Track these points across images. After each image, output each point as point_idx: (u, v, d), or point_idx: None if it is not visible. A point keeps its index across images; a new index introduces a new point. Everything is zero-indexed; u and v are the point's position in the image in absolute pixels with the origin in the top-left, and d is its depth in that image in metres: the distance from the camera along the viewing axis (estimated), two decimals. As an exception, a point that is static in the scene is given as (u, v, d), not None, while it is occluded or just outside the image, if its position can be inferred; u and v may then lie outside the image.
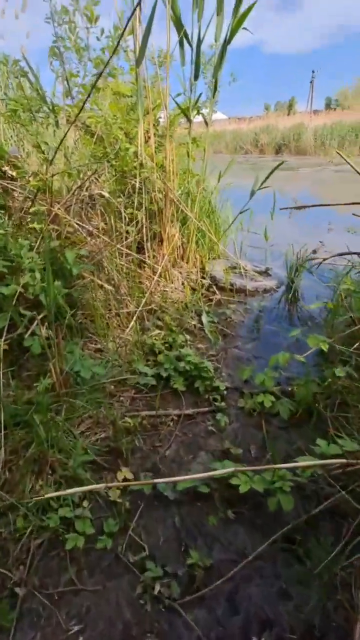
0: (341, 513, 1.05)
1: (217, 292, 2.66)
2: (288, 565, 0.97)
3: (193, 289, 2.61)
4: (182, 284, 2.60)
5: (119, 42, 1.94)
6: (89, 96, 2.04)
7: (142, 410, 1.52)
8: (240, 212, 2.27)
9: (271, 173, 2.31)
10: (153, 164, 2.19)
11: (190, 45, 2.12)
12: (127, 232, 2.34)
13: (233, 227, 3.12)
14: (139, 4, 1.86)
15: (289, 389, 1.60)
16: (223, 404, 1.54)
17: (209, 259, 3.09)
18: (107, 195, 2.11)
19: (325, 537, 1.00)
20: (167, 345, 1.89)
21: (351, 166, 1.51)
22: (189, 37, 2.11)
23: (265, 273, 3.12)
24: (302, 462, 1.04)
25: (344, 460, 1.00)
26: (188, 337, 1.98)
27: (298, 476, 1.12)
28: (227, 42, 2.12)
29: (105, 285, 1.96)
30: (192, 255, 2.84)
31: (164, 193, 2.31)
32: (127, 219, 2.33)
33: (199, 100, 2.33)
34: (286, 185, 8.40)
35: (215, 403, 1.55)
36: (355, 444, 1.04)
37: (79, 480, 1.13)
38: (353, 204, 1.64)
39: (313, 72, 20.07)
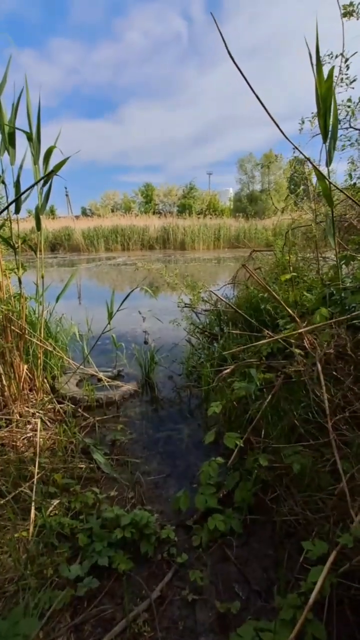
0: None
1: (85, 415, 2.38)
2: None
3: (57, 421, 2.21)
4: (42, 420, 2.15)
5: None
6: None
7: (101, 638, 1.07)
8: (104, 332, 2.21)
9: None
10: None
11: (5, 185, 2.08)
12: None
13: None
14: None
15: (222, 494, 1.60)
16: (184, 556, 1.33)
17: (54, 377, 2.76)
18: None
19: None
20: (77, 515, 1.47)
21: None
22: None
23: (119, 376, 3.10)
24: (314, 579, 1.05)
25: None
26: (93, 488, 1.63)
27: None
28: (43, 185, 2.22)
29: None
30: (40, 382, 2.45)
31: (3, 326, 1.94)
32: None
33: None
34: (79, 279, 9.11)
35: (175, 560, 1.32)
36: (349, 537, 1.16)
37: None
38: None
39: (65, 187, 24.14)
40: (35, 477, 1.50)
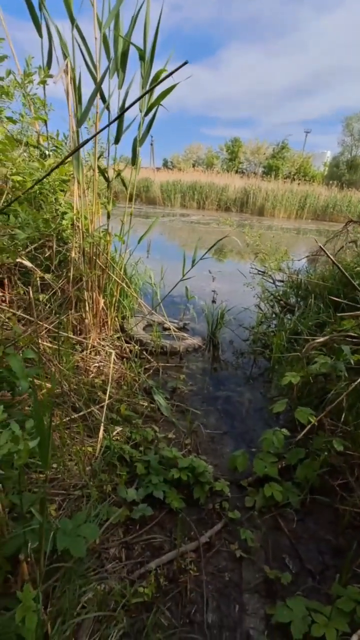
0: None
1: (149, 358, 2.42)
2: None
3: (124, 358, 2.28)
4: (110, 354, 2.24)
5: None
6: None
7: (149, 561, 1.12)
8: (182, 279, 2.15)
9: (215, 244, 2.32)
10: (84, 229, 1.84)
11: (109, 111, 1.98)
12: (48, 303, 1.86)
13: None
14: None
15: (279, 466, 1.52)
16: (237, 513, 1.31)
17: (124, 318, 2.84)
18: (30, 265, 1.61)
19: None
20: (136, 445, 1.52)
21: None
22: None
23: (184, 329, 3.09)
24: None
25: None
26: (153, 426, 1.66)
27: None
28: (146, 114, 2.09)
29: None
30: (112, 319, 2.52)
31: (89, 258, 1.97)
32: (47, 289, 1.85)
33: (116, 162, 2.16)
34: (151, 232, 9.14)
35: (226, 514, 1.31)
36: None
37: None
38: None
39: (152, 136, 23.58)
40: (106, 401, 1.57)
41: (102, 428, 1.43)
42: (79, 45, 1.65)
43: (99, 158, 2.02)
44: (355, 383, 1.47)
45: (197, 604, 1.03)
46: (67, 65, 1.58)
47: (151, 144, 26.67)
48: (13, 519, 0.97)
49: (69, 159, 1.73)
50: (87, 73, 1.83)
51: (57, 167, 0.90)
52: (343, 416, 1.47)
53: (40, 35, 1.77)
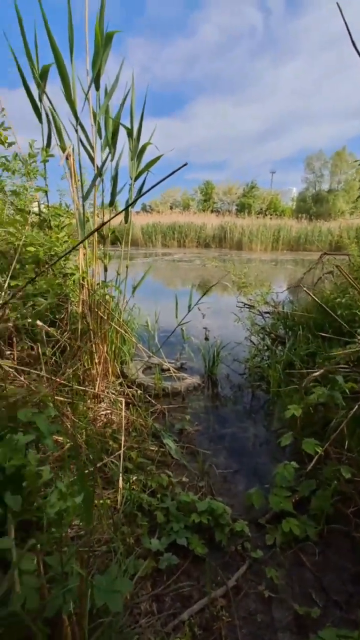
0: None
1: (152, 401, 2.48)
2: None
3: (128, 404, 2.33)
4: (119, 401, 2.29)
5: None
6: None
7: (181, 611, 1.12)
8: (180, 324, 2.29)
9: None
10: (89, 286, 1.98)
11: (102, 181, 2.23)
12: (53, 356, 1.94)
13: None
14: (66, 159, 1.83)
15: (293, 500, 1.57)
16: (259, 552, 1.34)
17: (122, 363, 2.91)
18: (41, 324, 1.71)
19: None
20: (153, 493, 1.55)
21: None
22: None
23: (182, 368, 3.18)
24: None
25: None
26: (166, 471, 1.70)
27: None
28: (135, 179, 2.35)
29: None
30: (112, 366, 2.60)
31: (94, 312, 2.10)
32: (49, 343, 1.94)
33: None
34: (134, 272, 9.39)
35: (249, 554, 1.33)
36: None
37: None
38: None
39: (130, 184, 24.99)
40: (122, 450, 1.61)
41: (120, 479, 1.46)
42: (76, 132, 1.90)
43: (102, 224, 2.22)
44: (353, 410, 1.59)
45: (233, 651, 1.04)
46: (67, 153, 1.81)
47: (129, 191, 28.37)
48: (48, 580, 0.99)
49: (75, 229, 1.91)
50: (82, 147, 2.09)
51: (78, 245, 1.05)
52: (346, 443, 1.57)
53: (40, 122, 2.02)
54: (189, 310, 2.23)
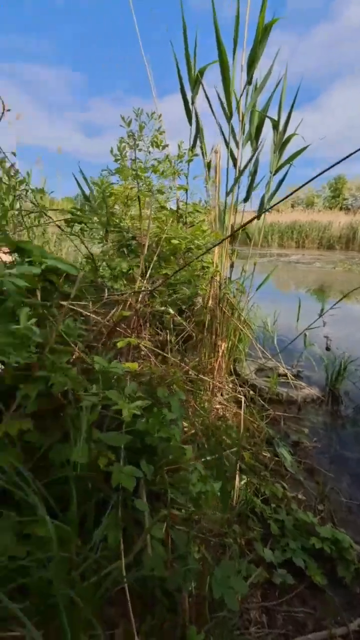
0: None
1: (265, 405, 2.37)
2: None
3: (240, 402, 2.29)
4: (234, 398, 2.28)
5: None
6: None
7: (294, 635, 1.04)
8: (308, 328, 2.15)
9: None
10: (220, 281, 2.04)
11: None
12: (178, 346, 2.05)
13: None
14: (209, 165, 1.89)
15: None
16: (395, 607, 1.13)
17: (236, 361, 2.88)
18: (172, 312, 1.85)
19: None
20: (265, 501, 1.48)
21: None
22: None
23: (298, 376, 2.96)
24: None
25: None
26: (281, 482, 1.60)
27: None
28: (275, 173, 2.26)
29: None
30: (227, 362, 2.60)
31: (220, 306, 2.13)
32: (177, 332, 2.06)
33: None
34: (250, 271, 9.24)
35: (380, 605, 1.13)
36: None
37: None
38: None
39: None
40: (239, 447, 1.59)
41: (237, 475, 1.44)
42: (221, 132, 1.94)
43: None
44: None
45: None
46: (215, 149, 1.87)
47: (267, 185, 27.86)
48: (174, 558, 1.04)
49: (216, 225, 1.97)
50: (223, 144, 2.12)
51: (223, 240, 1.05)
52: None
53: (190, 124, 2.14)
54: (320, 316, 2.03)
